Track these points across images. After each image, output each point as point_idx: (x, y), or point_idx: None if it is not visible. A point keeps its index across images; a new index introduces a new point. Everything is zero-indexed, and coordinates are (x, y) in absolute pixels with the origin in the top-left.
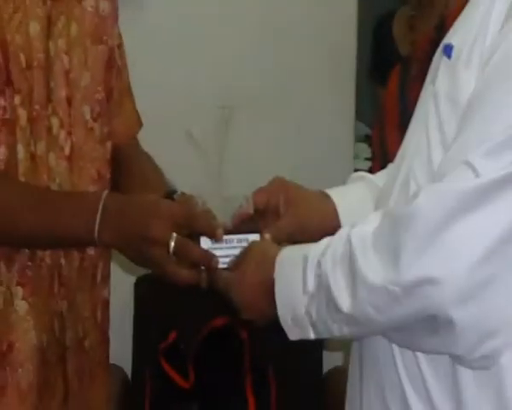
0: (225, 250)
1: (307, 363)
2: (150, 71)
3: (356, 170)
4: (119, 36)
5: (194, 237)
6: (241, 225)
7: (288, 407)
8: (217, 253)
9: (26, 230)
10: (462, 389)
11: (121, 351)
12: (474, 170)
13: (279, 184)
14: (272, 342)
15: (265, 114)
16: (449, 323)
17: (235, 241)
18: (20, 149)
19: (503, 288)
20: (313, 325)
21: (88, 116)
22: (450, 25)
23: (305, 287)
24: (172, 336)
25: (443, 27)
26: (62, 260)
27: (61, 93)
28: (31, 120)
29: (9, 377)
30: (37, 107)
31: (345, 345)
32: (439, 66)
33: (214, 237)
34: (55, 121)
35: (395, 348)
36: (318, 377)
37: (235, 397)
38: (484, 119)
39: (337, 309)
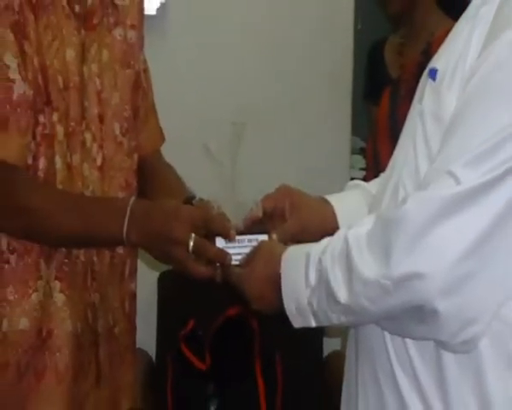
0: (237, 249)
1: (309, 348)
2: (172, 92)
3: (352, 179)
4: (145, 61)
5: (211, 237)
6: (252, 227)
7: (292, 388)
8: (230, 251)
9: (63, 231)
10: (445, 370)
11: (146, 337)
12: (455, 179)
13: (284, 191)
14: (279, 330)
15: (273, 130)
16: (434, 313)
17: (246, 241)
18: (58, 160)
19: (482, 282)
20: (314, 315)
21: (117, 131)
22: (435, 51)
23: (308, 281)
24: (191, 324)
25: (428, 53)
26: (95, 258)
27: (94, 111)
28: (67, 134)
29: (48, 360)
30: (72, 123)
31: (342, 332)
32: (425, 87)
33: (228, 238)
34: (88, 136)
35: (386, 334)
36: (319, 361)
37: (246, 378)
38: (464, 134)
39: (335, 301)
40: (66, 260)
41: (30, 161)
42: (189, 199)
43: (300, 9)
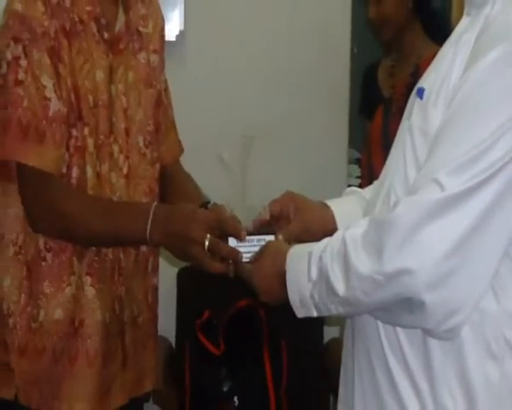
0: (248, 248)
1: (311, 335)
2: (189, 108)
3: (349, 186)
4: (165, 81)
5: (224, 237)
6: (260, 228)
7: (296, 371)
8: (241, 250)
9: (93, 232)
10: (430, 355)
11: (167, 325)
12: (440, 186)
13: (289, 196)
14: (284, 319)
15: (278, 143)
16: (421, 304)
17: (255, 240)
18: (89, 169)
19: (464, 277)
20: (316, 306)
21: (141, 144)
22: (422, 73)
23: (310, 276)
24: (206, 314)
25: (416, 75)
26: (121, 256)
27: (121, 126)
28: (97, 146)
29: (80, 346)
30: (101, 136)
31: (341, 321)
32: (414, 105)
33: (239, 238)
34: (115, 148)
35: (379, 323)
36: (320, 347)
37: (255, 362)
38: (448, 146)
39: (334, 294)
40: (96, 258)
41: (64, 170)
42: (205, 204)
43: (303, 36)
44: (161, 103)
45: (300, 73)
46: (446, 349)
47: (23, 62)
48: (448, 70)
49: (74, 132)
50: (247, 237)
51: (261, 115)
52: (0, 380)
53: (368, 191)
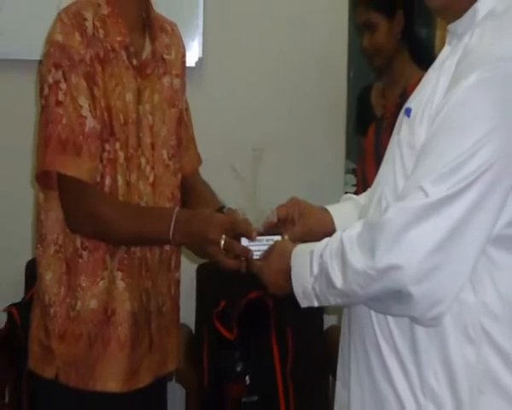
0: (258, 247)
1: (313, 323)
2: (207, 125)
3: (345, 193)
4: (186, 102)
5: (237, 237)
6: (269, 230)
7: (299, 353)
8: (252, 248)
9: (123, 233)
10: (417, 340)
11: (187, 314)
12: (424, 193)
13: (294, 202)
14: (290, 309)
15: (284, 155)
16: (408, 295)
17: (265, 240)
18: (120, 178)
19: (446, 272)
20: (317, 297)
21: (165, 156)
22: (410, 94)
23: (312, 271)
24: (222, 304)
25: (404, 96)
26: (148, 254)
27: (147, 141)
28: (127, 159)
29: (112, 332)
30: (131, 150)
31: (339, 310)
32: (402, 122)
33: (250, 238)
34: (143, 160)
35: (372, 312)
36: (320, 333)
37: (264, 346)
38: (432, 158)
39: (333, 286)
40: (125, 255)
41: (98, 179)
42: (221, 208)
43: (307, 63)
44: (183, 121)
45: (304, 94)
46: (430, 335)
47: (63, 85)
48: (432, 92)
49: (107, 146)
50: (258, 238)
51: (269, 131)
52: (42, 361)
53: (362, 197)
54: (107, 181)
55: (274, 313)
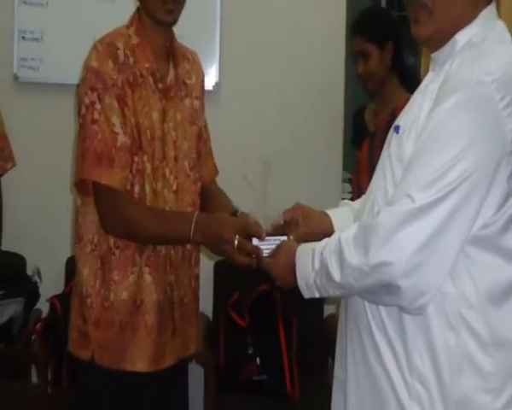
0: (267, 245)
1: (314, 311)
2: (223, 141)
3: (342, 199)
4: (205, 120)
5: (249, 238)
6: (276, 231)
7: (303, 338)
8: (262, 247)
9: (150, 234)
10: (405, 327)
11: (206, 305)
12: (411, 199)
13: (298, 207)
14: (294, 299)
15: (289, 167)
16: (397, 288)
17: (273, 240)
18: (147, 186)
19: (430, 268)
20: (318, 289)
21: (187, 167)
22: (398, 114)
23: (313, 267)
24: (236, 296)
25: (394, 115)
26: (172, 251)
27: (171, 154)
28: (153, 169)
29: (141, 320)
30: (157, 162)
31: (337, 301)
32: (392, 138)
33: (260, 238)
34: (167, 170)
35: (366, 303)
36: (321, 320)
37: (272, 332)
38: (417, 169)
39: (332, 280)
40: (152, 253)
41: (128, 187)
42: (235, 212)
43: (309, 87)
44: (202, 137)
45: (306, 113)
46: (416, 322)
47: (98, 106)
48: (417, 112)
49: (136, 159)
50: (266, 238)
51: (276, 146)
52: (80, 345)
53: (357, 203)
54: (136, 189)
55: (281, 303)
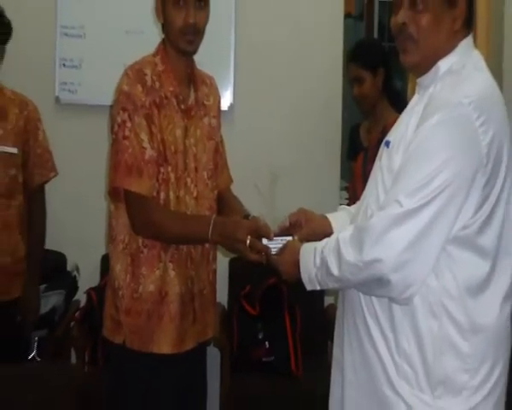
0: (274, 245)
1: (315, 302)
2: (237, 154)
3: (340, 204)
4: (221, 136)
5: (259, 238)
6: (282, 232)
7: (306, 325)
8: (270, 246)
9: (173, 235)
10: (394, 315)
11: (222, 295)
12: (400, 204)
13: (302, 211)
14: (298, 291)
15: (293, 176)
16: (388, 282)
17: (280, 240)
18: (171, 194)
19: (416, 264)
20: (319, 282)
21: (205, 177)
22: (388, 131)
23: (315, 263)
24: (248, 288)
25: (384, 132)
26: (192, 250)
27: (192, 165)
28: (176, 179)
29: (165, 309)
30: (179, 172)
31: (335, 292)
32: (383, 152)
33: (269, 238)
34: (188, 180)
35: (360, 294)
36: (321, 309)
37: (279, 319)
38: (405, 179)
39: (331, 274)
40: (175, 251)
41: (155, 194)
42: (247, 216)
43: (311, 107)
44: (218, 151)
45: (309, 131)
46: (404, 311)
47: (128, 124)
48: (405, 129)
49: (161, 170)
50: (274, 238)
51: (283, 159)
52: (113, 331)
53: (353, 208)
54: (162, 196)
55: (286, 295)
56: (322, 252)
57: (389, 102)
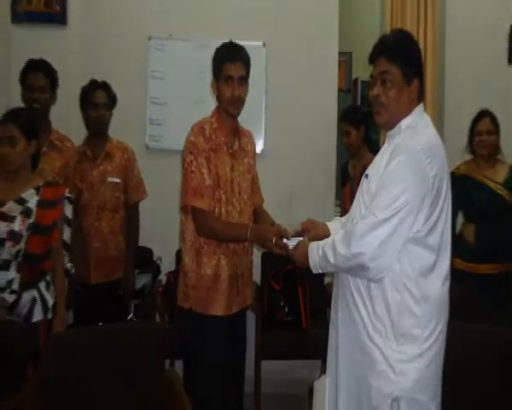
0: (291, 243)
1: (318, 280)
2: (267, 183)
3: (335, 216)
4: (256, 171)
5: (281, 238)
6: (297, 235)
7: (312, 296)
8: (288, 244)
9: (224, 236)
10: (371, 290)
11: (257, 277)
12: (375, 216)
13: (310, 221)
14: (307, 274)
15: (304, 198)
16: (367, 268)
17: (295, 240)
18: (223, 209)
19: (386, 256)
20: (321, 268)
21: (245, 198)
22: (367, 167)
23: (318, 255)
24: (273, 271)
25: (365, 168)
26: (237, 246)
27: (236, 190)
28: (226, 199)
29: (219, 286)
30: (228, 195)
31: (332, 274)
32: (363, 182)
33: (287, 239)
34: (234, 200)
35: (349, 276)
36: (322, 285)
37: (295, 293)
38: (378, 200)
39: (329, 262)
40: (225, 247)
41: (212, 209)
42: (273, 224)
43: (312, 155)
44: (254, 180)
45: (314, 169)
46: (378, 287)
47: (194, 163)
48: (378, 166)
49: (216, 193)
50: (291, 238)
51: (296, 187)
52: (184, 300)
53: (343, 218)
54: (216, 210)
55: (300, 276)
56: (323, 248)
57: (368, 148)
